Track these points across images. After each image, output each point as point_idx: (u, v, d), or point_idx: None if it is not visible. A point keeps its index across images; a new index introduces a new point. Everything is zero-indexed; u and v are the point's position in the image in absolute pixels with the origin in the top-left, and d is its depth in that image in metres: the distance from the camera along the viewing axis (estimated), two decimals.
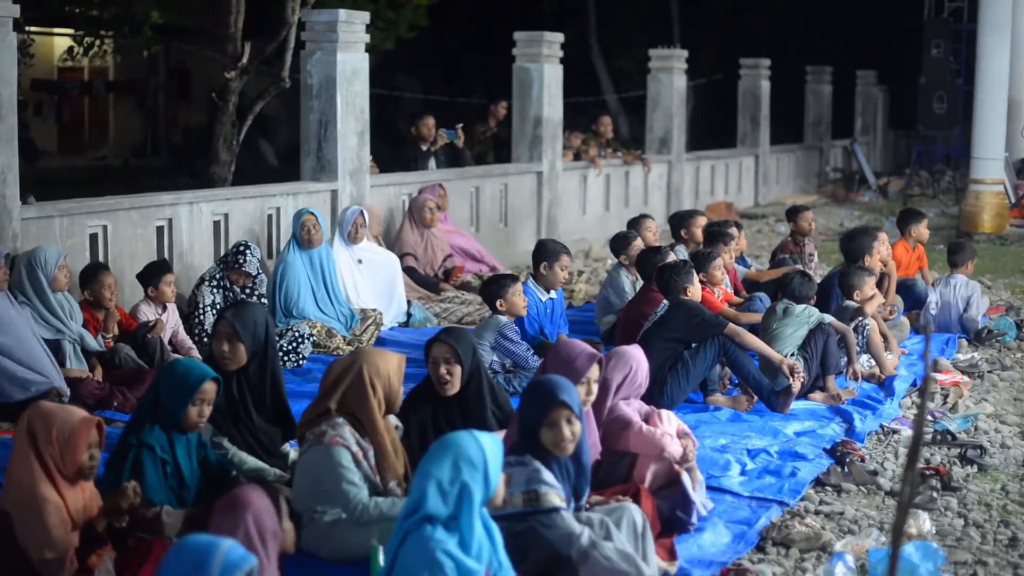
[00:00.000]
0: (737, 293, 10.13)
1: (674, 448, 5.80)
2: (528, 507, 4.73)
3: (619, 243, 9.99)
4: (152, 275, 8.70)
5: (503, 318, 8.20)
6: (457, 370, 5.96)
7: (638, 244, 9.88)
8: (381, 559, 4.29)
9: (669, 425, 5.95)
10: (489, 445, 4.22)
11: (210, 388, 5.39)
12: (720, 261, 9.25)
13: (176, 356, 8.33)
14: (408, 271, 11.41)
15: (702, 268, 8.95)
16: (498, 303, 8.27)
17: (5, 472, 4.95)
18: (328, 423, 5.39)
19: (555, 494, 4.78)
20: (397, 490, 5.43)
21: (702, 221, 10.79)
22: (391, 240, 11.85)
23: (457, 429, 5.56)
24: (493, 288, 8.34)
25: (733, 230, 10.35)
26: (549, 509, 4.74)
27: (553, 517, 4.73)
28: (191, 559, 3.62)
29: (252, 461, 6.02)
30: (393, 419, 5.73)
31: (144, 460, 5.21)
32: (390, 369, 5.51)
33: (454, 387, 5.97)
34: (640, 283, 9.34)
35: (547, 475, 4.80)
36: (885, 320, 9.33)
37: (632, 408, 5.98)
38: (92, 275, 8.37)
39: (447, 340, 5.97)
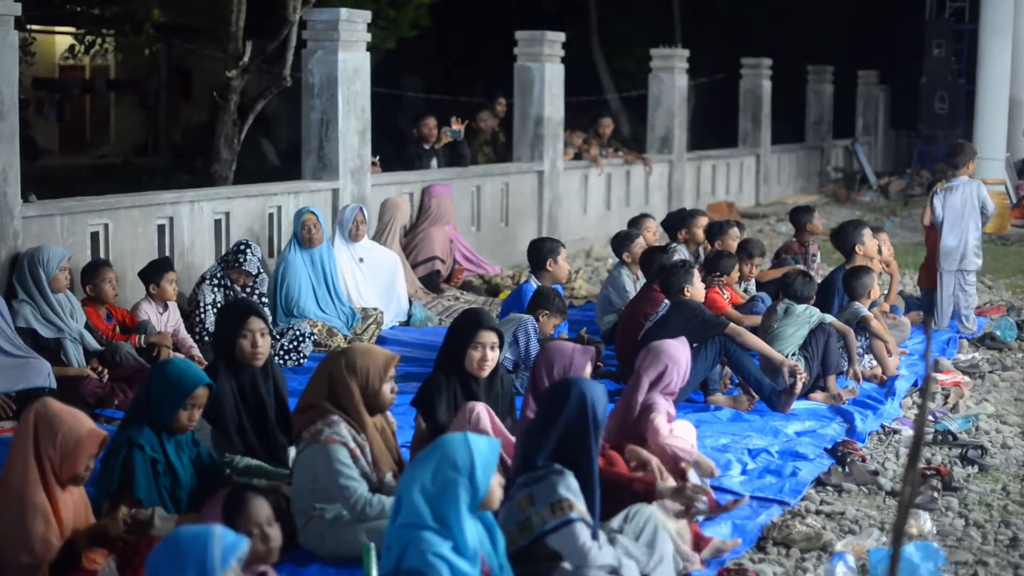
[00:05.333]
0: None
1: (682, 449, 5.89)
2: (557, 517, 4.67)
3: (621, 242, 9.99)
4: (154, 273, 8.71)
5: (528, 316, 8.23)
6: (498, 353, 6.14)
7: (640, 243, 9.90)
8: (374, 558, 4.29)
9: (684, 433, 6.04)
10: (480, 448, 4.20)
11: (202, 394, 5.36)
12: (737, 269, 9.32)
13: (176, 355, 8.33)
14: (434, 276, 11.50)
15: (720, 269, 9.13)
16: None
17: (4, 469, 4.93)
18: (324, 421, 5.39)
19: (582, 506, 4.73)
20: (392, 482, 5.44)
21: (703, 222, 10.78)
22: (403, 240, 11.83)
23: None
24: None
25: (735, 230, 10.35)
26: (577, 519, 4.66)
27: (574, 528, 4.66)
28: (190, 549, 3.62)
29: (256, 464, 6.01)
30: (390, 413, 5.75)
31: (134, 459, 5.19)
32: (370, 367, 5.48)
33: (491, 369, 6.11)
34: (641, 282, 9.34)
35: (573, 482, 4.75)
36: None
37: (667, 405, 6.05)
38: (93, 271, 8.40)
39: (493, 326, 6.14)
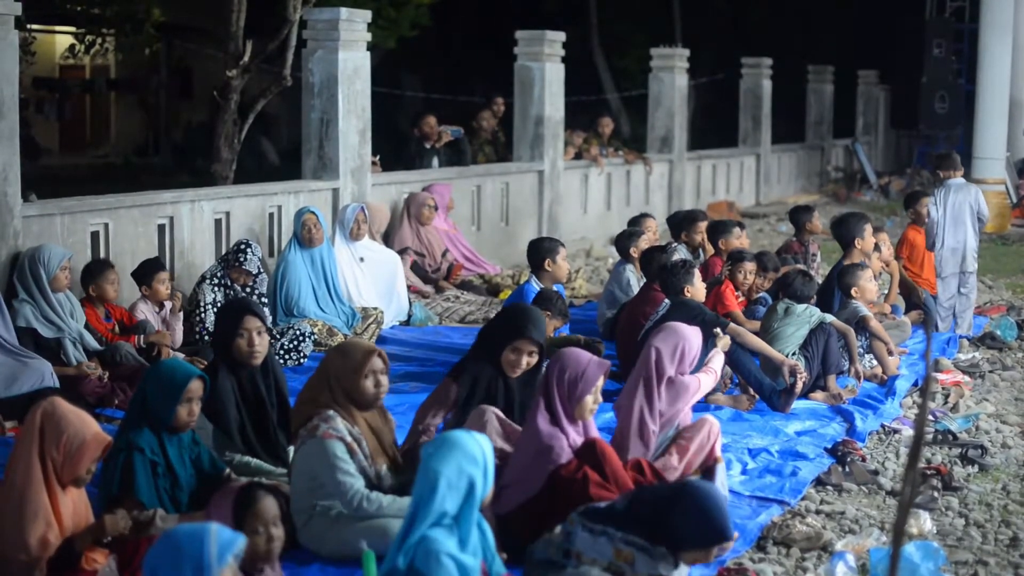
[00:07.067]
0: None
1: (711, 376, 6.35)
2: None
3: (627, 239, 9.97)
4: (145, 273, 8.73)
5: None
6: (535, 360, 6.13)
7: (647, 239, 9.92)
8: (374, 565, 4.29)
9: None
10: (485, 444, 4.29)
11: (196, 387, 5.36)
12: (752, 267, 9.26)
13: (176, 354, 8.34)
14: (413, 268, 11.43)
15: (738, 259, 9.19)
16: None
17: (6, 467, 4.94)
18: (319, 417, 5.39)
19: None
20: (389, 474, 5.45)
21: (703, 227, 10.78)
22: (386, 238, 11.84)
23: (515, 402, 5.96)
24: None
25: (737, 229, 10.32)
26: None
27: None
28: (187, 546, 3.62)
29: (256, 463, 6.01)
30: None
31: (135, 462, 5.19)
32: (345, 364, 5.47)
33: (521, 372, 6.13)
34: None
35: (671, 564, 4.73)
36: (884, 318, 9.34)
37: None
38: (97, 272, 8.41)
39: (538, 338, 6.09)
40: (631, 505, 4.79)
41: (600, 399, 5.56)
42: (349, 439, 5.36)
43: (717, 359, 6.63)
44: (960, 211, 10.29)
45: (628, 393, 6.10)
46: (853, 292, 8.73)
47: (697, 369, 6.46)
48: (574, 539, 4.74)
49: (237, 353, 6.11)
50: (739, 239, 10.22)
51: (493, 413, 5.80)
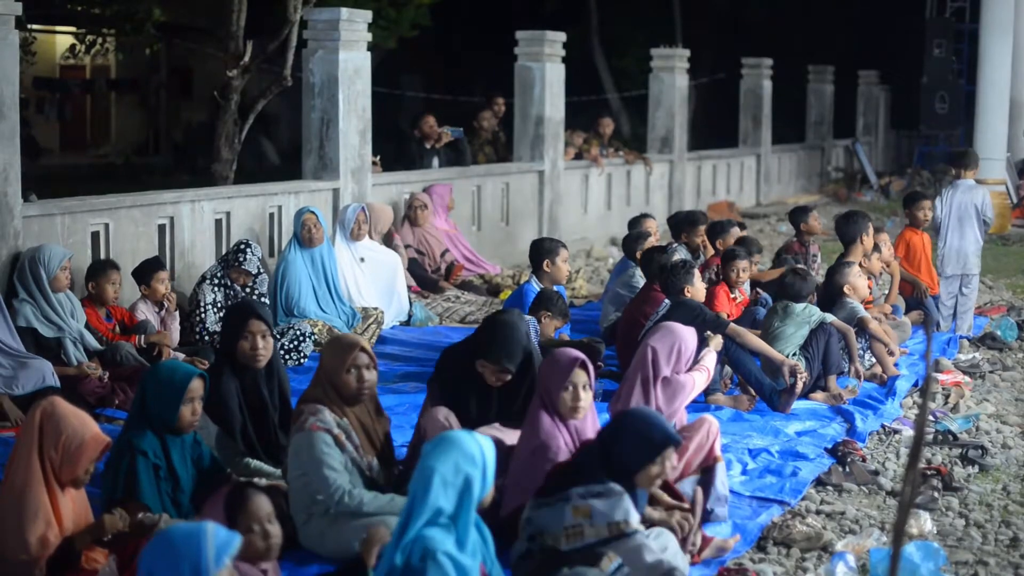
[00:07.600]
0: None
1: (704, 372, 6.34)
2: (612, 535, 4.71)
3: (635, 241, 9.97)
4: (144, 273, 8.75)
5: (530, 317, 8.16)
6: (508, 377, 6.02)
7: (653, 241, 9.94)
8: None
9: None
10: (486, 445, 4.28)
11: (197, 386, 5.36)
12: (744, 264, 9.22)
13: (176, 354, 8.34)
14: (411, 263, 11.44)
15: (730, 258, 9.14)
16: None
17: (6, 467, 4.94)
18: (308, 410, 5.40)
19: (637, 522, 4.81)
20: (378, 467, 5.46)
21: (703, 229, 10.79)
22: (387, 238, 11.86)
23: (492, 411, 5.92)
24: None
25: (735, 229, 10.32)
26: (632, 532, 4.74)
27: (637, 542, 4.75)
28: (184, 546, 3.60)
29: (256, 464, 6.02)
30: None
31: (138, 466, 5.19)
32: (329, 358, 5.52)
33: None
34: None
35: (630, 503, 4.78)
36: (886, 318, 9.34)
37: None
38: (99, 271, 8.42)
39: (509, 367, 5.95)
40: (577, 458, 4.95)
41: (583, 396, 5.40)
42: (337, 430, 5.36)
43: (710, 357, 6.63)
44: (965, 211, 10.30)
45: (624, 393, 6.10)
46: (846, 290, 8.74)
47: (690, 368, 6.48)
48: (534, 521, 4.80)
49: (241, 355, 6.12)
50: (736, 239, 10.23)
51: (447, 415, 5.79)
